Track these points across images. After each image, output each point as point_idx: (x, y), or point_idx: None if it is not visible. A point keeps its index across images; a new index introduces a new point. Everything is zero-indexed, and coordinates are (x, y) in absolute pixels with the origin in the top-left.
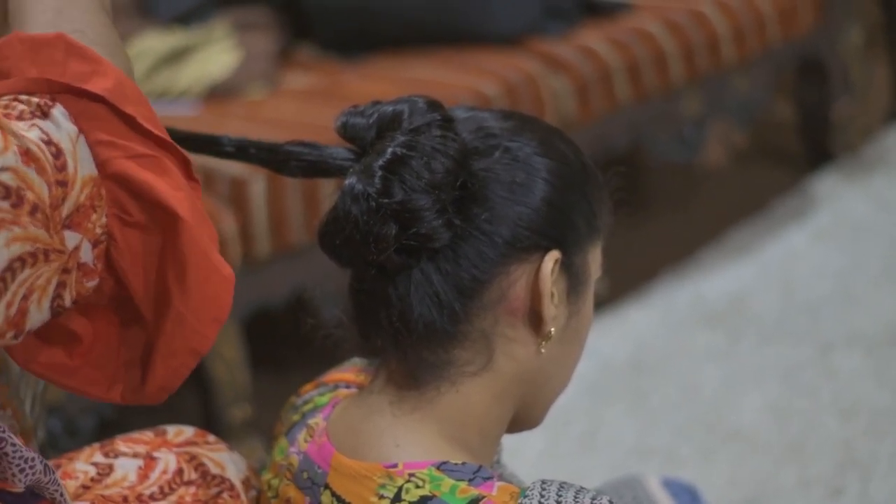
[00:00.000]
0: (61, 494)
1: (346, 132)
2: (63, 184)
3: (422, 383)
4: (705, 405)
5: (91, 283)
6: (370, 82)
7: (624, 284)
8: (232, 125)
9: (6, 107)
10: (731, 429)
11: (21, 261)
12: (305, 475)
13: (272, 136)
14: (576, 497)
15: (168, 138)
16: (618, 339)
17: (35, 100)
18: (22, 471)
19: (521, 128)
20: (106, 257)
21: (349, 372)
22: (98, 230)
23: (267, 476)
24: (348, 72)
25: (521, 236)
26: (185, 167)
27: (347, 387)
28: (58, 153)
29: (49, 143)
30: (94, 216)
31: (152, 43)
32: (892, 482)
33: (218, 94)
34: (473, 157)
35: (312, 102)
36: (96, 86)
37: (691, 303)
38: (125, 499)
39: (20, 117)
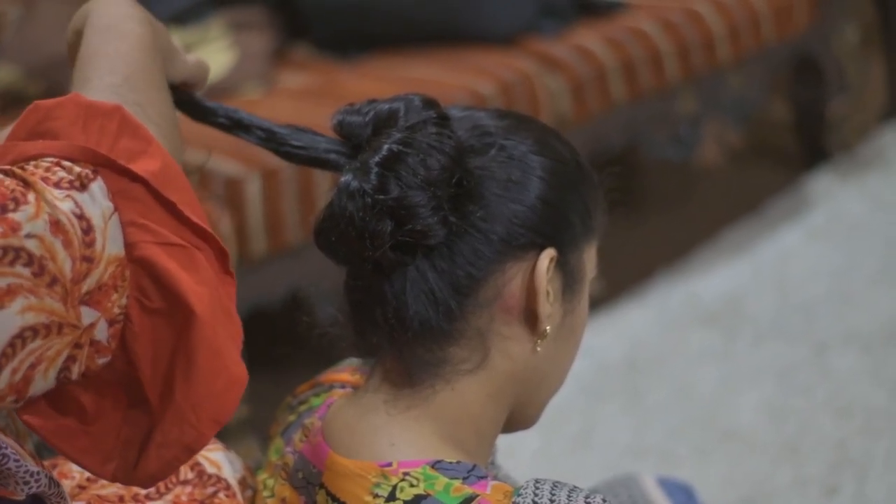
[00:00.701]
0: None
1: (343, 130)
2: (88, 260)
3: (417, 382)
4: (701, 404)
5: (102, 360)
6: (366, 82)
7: (619, 284)
8: None
9: (47, 170)
10: (726, 428)
11: (33, 330)
12: (301, 475)
13: None
14: (569, 496)
15: (207, 228)
16: (613, 338)
17: (77, 169)
18: (27, 483)
19: (517, 127)
20: (121, 337)
21: (345, 372)
22: (116, 310)
23: (262, 476)
24: (344, 71)
25: (516, 234)
26: (222, 259)
27: (343, 387)
28: (88, 229)
29: (81, 217)
30: (114, 296)
31: None
32: (888, 481)
33: (213, 93)
34: (469, 154)
35: (308, 102)
36: (141, 167)
37: (686, 302)
38: (121, 498)
39: (58, 184)
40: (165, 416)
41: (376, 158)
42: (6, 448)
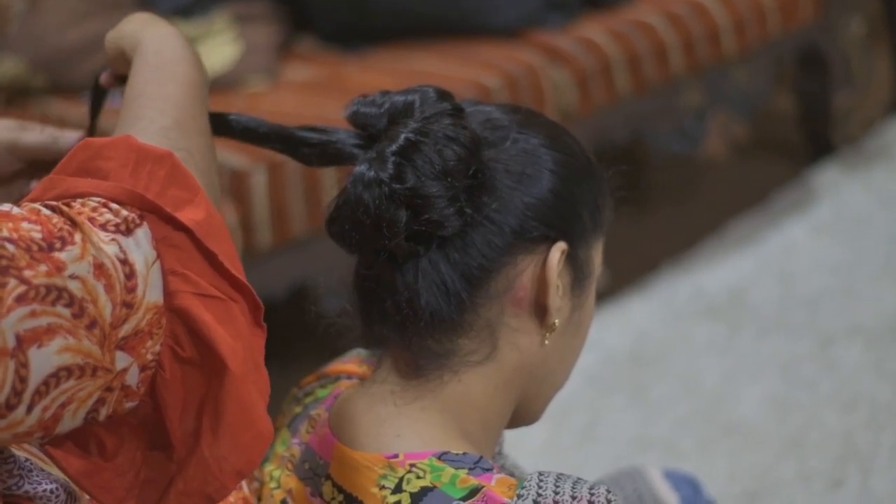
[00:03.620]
0: None
1: (357, 120)
2: (129, 305)
3: (425, 373)
4: (705, 397)
5: (130, 404)
6: (371, 74)
7: (625, 276)
8: None
9: (94, 210)
10: (731, 421)
11: (68, 371)
12: (307, 466)
13: None
14: (573, 488)
15: (244, 281)
16: (618, 331)
17: (124, 212)
18: (45, 498)
19: (528, 121)
20: (150, 383)
21: (351, 363)
22: (150, 356)
23: (269, 467)
24: (349, 64)
25: (529, 226)
26: (255, 313)
27: (349, 378)
28: (130, 274)
29: (124, 262)
30: (149, 343)
31: None
32: (893, 474)
33: (218, 86)
34: (483, 146)
35: (313, 95)
36: (187, 216)
37: (692, 295)
38: None
39: (104, 227)
40: (189, 464)
41: (393, 147)
42: (24, 469)
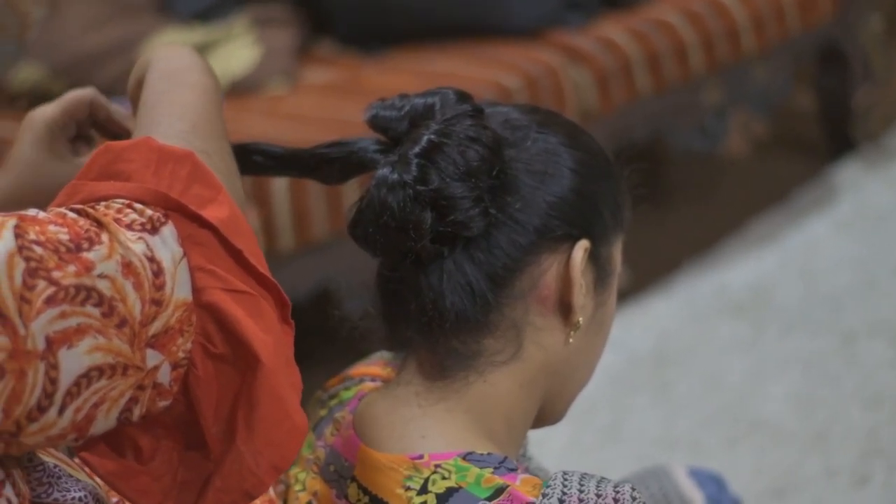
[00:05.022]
0: None
1: (378, 124)
2: (157, 303)
3: (450, 374)
4: (729, 395)
5: (163, 403)
6: (390, 76)
7: (647, 276)
8: (252, 121)
9: (118, 211)
10: (755, 419)
11: (99, 370)
12: (332, 468)
13: (293, 131)
14: (598, 486)
15: (270, 277)
16: (641, 330)
17: (149, 212)
18: None
19: (547, 121)
20: (183, 381)
21: (375, 366)
22: (181, 354)
23: (295, 470)
24: (368, 66)
25: (552, 225)
26: (283, 309)
27: (373, 380)
28: (158, 272)
29: (152, 259)
30: (180, 340)
31: (172, 40)
32: None
33: (238, 90)
34: (504, 147)
35: (333, 97)
36: (211, 213)
37: (714, 293)
38: None
39: (130, 226)
40: (225, 461)
41: (416, 150)
42: (53, 476)
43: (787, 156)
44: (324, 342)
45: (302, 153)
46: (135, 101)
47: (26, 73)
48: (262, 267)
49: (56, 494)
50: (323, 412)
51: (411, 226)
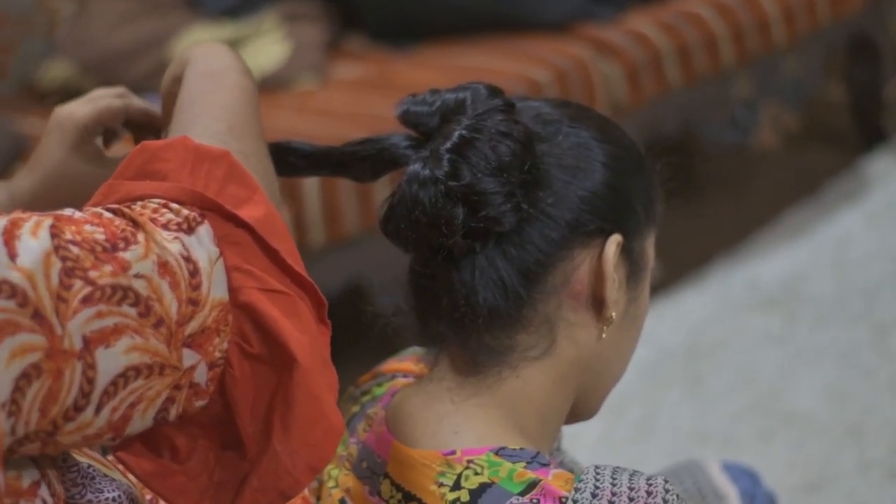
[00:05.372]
0: None
1: (409, 119)
2: (194, 303)
3: (483, 369)
4: (762, 389)
5: (200, 403)
6: (420, 71)
7: (678, 269)
8: (282, 117)
9: (154, 211)
10: (788, 412)
11: (136, 370)
12: (365, 464)
13: (323, 127)
14: (630, 480)
15: (307, 277)
16: (673, 324)
17: (185, 212)
18: None
19: (578, 115)
20: (219, 381)
21: (407, 361)
22: (217, 354)
23: (327, 467)
24: (398, 61)
25: (584, 220)
26: (319, 309)
27: (405, 376)
28: (194, 271)
29: (188, 259)
30: (216, 340)
31: (201, 36)
32: None
33: (268, 86)
34: (536, 142)
35: (363, 92)
36: (247, 213)
37: (746, 286)
38: None
39: (166, 226)
40: (262, 461)
41: (447, 145)
42: (87, 476)
43: (818, 148)
44: (355, 338)
45: (333, 151)
46: (168, 98)
47: (56, 71)
48: (299, 266)
49: (89, 496)
50: (355, 408)
51: (443, 221)
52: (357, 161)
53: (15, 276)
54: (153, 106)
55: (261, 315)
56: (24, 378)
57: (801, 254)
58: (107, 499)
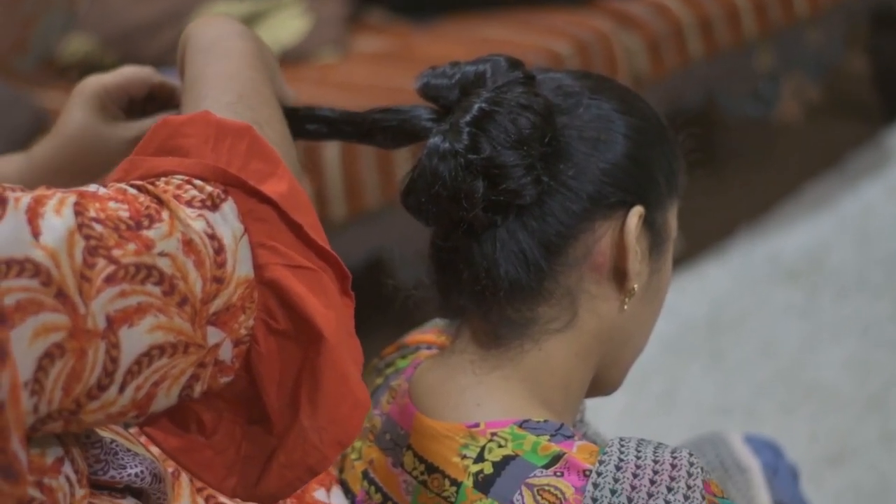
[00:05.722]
0: (164, 497)
1: (428, 92)
2: (219, 280)
3: (505, 342)
4: (784, 361)
5: (225, 380)
6: (441, 44)
7: (700, 242)
8: (304, 90)
9: (178, 187)
10: (811, 384)
11: (160, 349)
12: (388, 436)
13: (344, 100)
14: (655, 452)
15: (331, 250)
16: (695, 296)
17: (209, 188)
18: (130, 482)
19: (599, 86)
20: (245, 357)
21: (430, 333)
22: (243, 331)
23: None
24: (419, 34)
25: (605, 192)
26: (343, 282)
27: (429, 348)
28: (219, 249)
29: (212, 237)
30: (242, 317)
31: (222, 10)
32: None
33: (289, 59)
34: (556, 113)
35: (384, 66)
36: (271, 188)
37: (768, 259)
38: None
39: (190, 203)
40: (289, 437)
41: (467, 118)
42: (110, 452)
43: (840, 120)
44: (377, 311)
45: (355, 118)
46: (181, 73)
47: (76, 45)
48: (322, 240)
49: (112, 472)
50: (379, 380)
51: (463, 195)
52: (379, 130)
53: (38, 255)
54: (176, 81)
55: (286, 291)
56: (48, 357)
57: (824, 226)
58: (129, 475)
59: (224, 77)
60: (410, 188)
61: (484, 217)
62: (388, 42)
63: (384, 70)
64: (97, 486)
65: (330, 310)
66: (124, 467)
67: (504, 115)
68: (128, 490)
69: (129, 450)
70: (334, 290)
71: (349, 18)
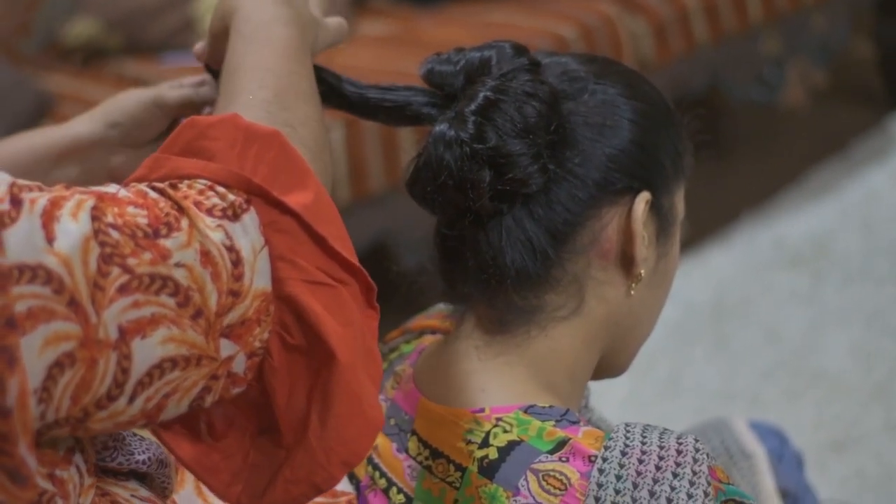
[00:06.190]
0: (169, 481)
1: (433, 79)
2: (235, 294)
3: (511, 328)
4: (789, 348)
5: (237, 391)
6: (446, 28)
7: (705, 227)
8: None
9: (200, 193)
10: (816, 371)
11: (172, 361)
12: (393, 422)
13: None
14: (660, 438)
15: (355, 262)
16: (700, 282)
17: (231, 197)
18: (137, 467)
19: (605, 71)
20: (258, 369)
21: (435, 318)
22: (257, 344)
23: None
24: (424, 18)
25: (612, 178)
26: (368, 294)
27: (433, 333)
28: (237, 261)
29: (231, 249)
30: (257, 330)
31: None
32: None
33: None
34: (562, 100)
35: (388, 49)
36: (295, 199)
37: (773, 245)
38: None
39: (210, 212)
40: (296, 453)
41: (472, 107)
42: (118, 439)
43: (845, 106)
44: (382, 296)
45: (354, 94)
46: (214, 37)
47: (81, 28)
48: (348, 251)
49: (120, 458)
50: (384, 365)
51: (469, 184)
52: (381, 110)
53: (51, 262)
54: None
55: (303, 308)
56: (57, 366)
57: (829, 212)
58: (137, 461)
59: (263, 69)
60: (416, 177)
61: (490, 206)
62: (393, 26)
63: (389, 54)
64: (103, 472)
65: (348, 328)
66: (132, 453)
67: (509, 104)
68: (132, 474)
69: (135, 433)
70: (355, 305)
71: (354, 2)
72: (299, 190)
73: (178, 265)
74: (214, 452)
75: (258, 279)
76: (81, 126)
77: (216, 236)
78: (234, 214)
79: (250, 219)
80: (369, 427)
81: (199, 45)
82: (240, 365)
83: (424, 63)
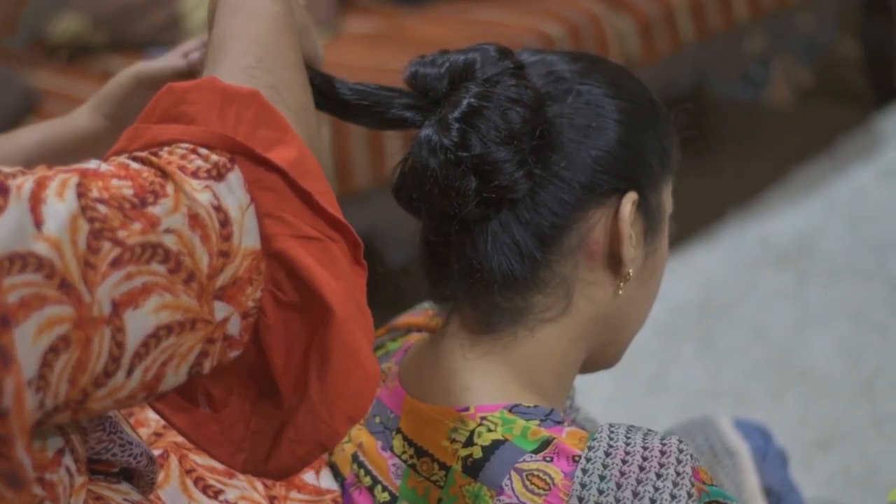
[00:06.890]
0: (155, 477)
1: (417, 82)
2: (225, 254)
3: (497, 329)
4: (774, 345)
5: (234, 354)
6: (432, 25)
7: (690, 226)
8: None
9: (183, 157)
10: (800, 369)
11: (167, 328)
12: (378, 420)
13: None
14: (644, 439)
15: (342, 218)
16: (685, 280)
17: (214, 157)
18: (128, 462)
19: (590, 69)
20: (253, 330)
21: (421, 316)
22: (250, 303)
23: None
24: (410, 15)
25: (598, 180)
26: (355, 250)
27: (419, 331)
28: (225, 221)
29: (218, 209)
30: (249, 289)
31: None
32: None
33: None
34: (547, 103)
35: (375, 47)
36: (278, 156)
37: (758, 243)
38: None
39: (195, 174)
40: (298, 411)
41: (456, 114)
42: (117, 434)
43: (831, 104)
44: (368, 293)
45: (339, 96)
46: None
47: (67, 24)
48: (333, 207)
49: (115, 450)
50: None
51: (455, 192)
52: (365, 114)
53: (41, 248)
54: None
55: (294, 263)
56: (52, 352)
57: (814, 210)
58: (134, 454)
59: (248, 39)
60: (402, 182)
61: (476, 212)
62: (378, 23)
63: (375, 51)
64: (94, 472)
65: (339, 281)
66: (130, 443)
67: (493, 111)
68: (121, 474)
69: (124, 430)
70: (344, 259)
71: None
72: (282, 146)
73: (167, 231)
74: (214, 423)
75: (247, 238)
76: (84, 121)
77: (204, 197)
78: (218, 174)
79: (235, 177)
80: (369, 381)
81: (192, 45)
82: (235, 326)
83: (409, 66)
